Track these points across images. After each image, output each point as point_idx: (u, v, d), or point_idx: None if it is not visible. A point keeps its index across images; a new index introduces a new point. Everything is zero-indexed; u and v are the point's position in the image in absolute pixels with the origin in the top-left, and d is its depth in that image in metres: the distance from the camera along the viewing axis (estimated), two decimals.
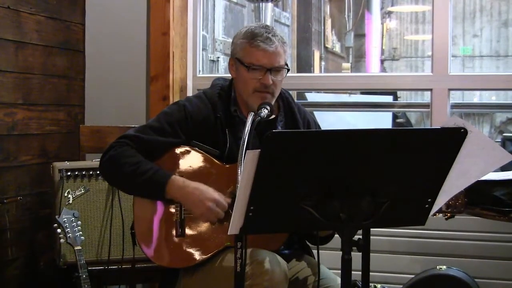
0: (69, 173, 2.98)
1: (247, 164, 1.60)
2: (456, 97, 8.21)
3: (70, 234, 2.71)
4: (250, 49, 2.31)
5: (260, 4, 4.39)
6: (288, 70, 2.37)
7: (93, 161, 3.01)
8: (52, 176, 3.00)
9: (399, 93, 9.14)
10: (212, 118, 2.35)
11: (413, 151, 1.68)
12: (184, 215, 2.28)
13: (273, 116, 2.40)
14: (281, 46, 2.32)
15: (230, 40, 5.75)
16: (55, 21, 3.44)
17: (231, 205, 2.19)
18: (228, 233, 1.71)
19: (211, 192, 2.22)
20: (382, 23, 11.66)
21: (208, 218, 2.23)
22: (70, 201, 2.97)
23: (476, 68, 11.59)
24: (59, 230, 2.73)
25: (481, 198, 2.44)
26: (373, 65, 11.35)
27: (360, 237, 1.76)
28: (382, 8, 11.55)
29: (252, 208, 1.65)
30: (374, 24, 11.22)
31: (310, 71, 9.29)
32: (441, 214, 2.38)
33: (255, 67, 2.30)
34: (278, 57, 2.31)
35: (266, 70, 2.29)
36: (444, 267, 2.92)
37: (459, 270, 2.89)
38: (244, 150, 1.97)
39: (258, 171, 1.59)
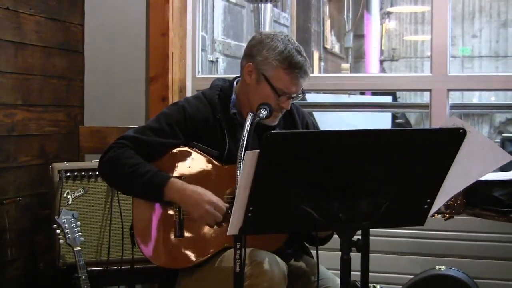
0: (68, 174, 2.98)
1: (246, 164, 1.60)
2: (456, 98, 8.18)
3: (69, 235, 2.71)
4: (285, 77, 2.27)
5: (259, 4, 4.39)
6: (304, 94, 2.37)
7: (93, 162, 3.01)
8: (51, 176, 3.00)
9: (398, 94, 9.14)
10: (211, 119, 2.35)
11: (412, 152, 1.68)
12: (183, 216, 2.28)
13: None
14: None
15: (229, 40, 5.73)
16: (54, 22, 3.44)
17: (229, 207, 2.19)
18: (227, 234, 1.71)
19: (209, 195, 2.22)
20: (381, 24, 11.65)
21: (206, 221, 2.23)
22: (70, 202, 2.97)
23: (476, 68, 11.58)
24: (58, 231, 2.73)
25: (480, 198, 2.44)
26: (372, 65, 11.35)
27: (359, 237, 1.76)
28: (381, 9, 11.55)
29: (251, 208, 1.65)
30: (373, 24, 11.23)
31: None
32: (440, 215, 2.38)
33: (285, 94, 2.29)
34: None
35: (290, 97, 2.31)
36: (444, 267, 2.92)
37: (459, 271, 2.89)
38: (243, 150, 1.97)
39: (257, 171, 1.59)
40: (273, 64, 2.28)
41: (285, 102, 2.30)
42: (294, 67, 2.27)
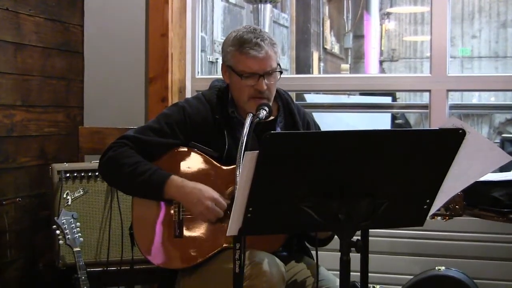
0: (68, 175, 2.98)
1: (246, 165, 1.60)
2: (455, 98, 8.20)
3: (69, 236, 2.71)
4: (240, 56, 2.29)
5: (259, 5, 4.39)
6: (281, 72, 2.35)
7: (92, 163, 3.01)
8: (51, 177, 3.00)
9: (398, 94, 9.14)
10: (211, 119, 2.36)
11: (411, 152, 1.68)
12: (182, 216, 2.28)
13: (272, 118, 2.40)
14: (271, 49, 2.29)
15: None
16: (54, 23, 3.44)
17: (230, 206, 2.19)
18: (227, 234, 1.71)
19: (210, 191, 2.23)
20: (381, 24, 11.65)
21: (207, 217, 2.23)
22: (69, 203, 2.97)
23: (475, 69, 11.58)
24: (58, 232, 2.73)
25: (479, 199, 2.44)
26: (372, 66, 11.34)
27: (359, 237, 1.76)
28: (380, 9, 11.54)
29: (250, 209, 1.65)
30: (373, 25, 11.22)
31: (309, 72, 9.29)
32: (439, 217, 2.38)
33: (248, 74, 2.28)
34: (270, 61, 2.29)
35: (259, 76, 2.28)
36: (443, 268, 2.92)
37: (458, 271, 2.89)
38: (242, 151, 1.97)
39: (256, 172, 1.59)
40: (229, 51, 2.33)
41: (257, 84, 2.28)
42: (244, 43, 2.28)
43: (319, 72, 9.85)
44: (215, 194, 2.23)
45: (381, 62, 11.98)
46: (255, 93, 2.29)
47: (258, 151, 1.58)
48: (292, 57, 8.55)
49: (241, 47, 2.28)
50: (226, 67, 2.37)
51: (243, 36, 2.30)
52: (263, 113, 2.21)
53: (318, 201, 1.67)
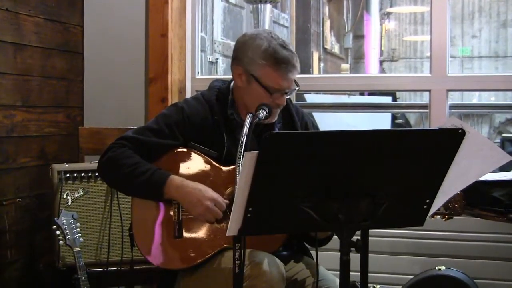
0: (68, 175, 2.99)
1: (245, 165, 1.60)
2: (455, 98, 8.19)
3: (69, 236, 2.71)
4: (273, 74, 2.25)
5: (259, 5, 4.39)
6: (298, 86, 2.34)
7: (92, 163, 3.01)
8: (51, 178, 3.00)
9: (398, 94, 9.15)
10: (210, 120, 2.36)
11: (411, 152, 1.68)
12: (182, 216, 2.28)
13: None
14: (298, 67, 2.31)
15: (229, 41, 5.70)
16: (54, 23, 3.44)
17: (229, 206, 2.19)
18: (227, 234, 1.71)
19: (209, 192, 2.23)
20: (381, 24, 11.64)
21: (206, 217, 2.24)
22: (69, 203, 2.97)
23: (475, 69, 11.58)
24: (58, 232, 2.73)
25: (479, 198, 2.44)
26: (372, 66, 11.34)
27: (359, 237, 1.76)
28: (381, 9, 11.54)
29: (250, 209, 1.65)
30: (373, 25, 11.22)
31: (309, 72, 9.27)
32: (439, 217, 2.39)
33: (275, 90, 2.27)
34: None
35: (284, 93, 2.29)
36: (443, 267, 2.92)
37: (458, 271, 2.89)
38: (242, 151, 1.97)
39: (256, 172, 1.59)
40: (259, 63, 2.27)
41: (279, 99, 2.29)
42: (281, 62, 2.25)
43: (319, 72, 9.84)
44: (215, 195, 2.23)
45: (381, 62, 11.98)
46: (274, 106, 2.29)
47: (257, 151, 1.58)
48: None
49: (278, 65, 2.25)
50: (246, 74, 2.31)
51: (278, 52, 2.25)
52: (262, 113, 2.21)
53: (318, 201, 1.67)
